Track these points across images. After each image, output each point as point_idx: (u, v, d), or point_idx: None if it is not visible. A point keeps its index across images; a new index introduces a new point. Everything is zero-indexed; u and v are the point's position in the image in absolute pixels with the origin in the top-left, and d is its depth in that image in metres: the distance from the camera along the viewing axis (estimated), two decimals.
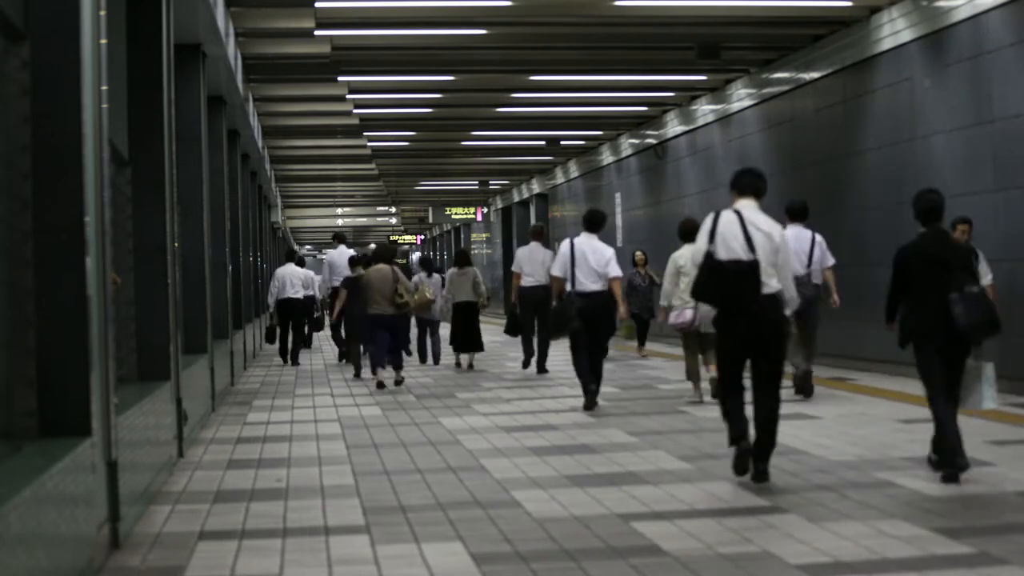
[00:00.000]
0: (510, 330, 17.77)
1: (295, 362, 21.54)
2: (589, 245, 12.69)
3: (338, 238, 22.53)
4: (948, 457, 7.97)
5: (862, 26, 15.83)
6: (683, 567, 5.98)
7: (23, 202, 6.13)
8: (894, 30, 15.07)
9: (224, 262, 16.55)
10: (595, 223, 13.16)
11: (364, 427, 11.99)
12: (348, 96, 20.72)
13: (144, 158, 10.19)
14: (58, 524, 5.38)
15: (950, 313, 8.06)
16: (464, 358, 18.99)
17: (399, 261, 32.18)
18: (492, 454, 9.84)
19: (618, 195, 28.25)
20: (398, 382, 15.84)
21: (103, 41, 6.86)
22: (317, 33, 15.71)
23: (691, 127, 22.82)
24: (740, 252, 8.19)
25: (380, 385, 15.92)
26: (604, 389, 13.96)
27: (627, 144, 27.18)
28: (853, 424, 10.94)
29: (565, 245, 12.83)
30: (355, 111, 22.61)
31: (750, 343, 8.21)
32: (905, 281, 8.37)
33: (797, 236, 12.65)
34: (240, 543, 6.87)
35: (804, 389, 12.98)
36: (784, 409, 12.10)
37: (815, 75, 17.35)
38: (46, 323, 6.20)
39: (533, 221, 38.82)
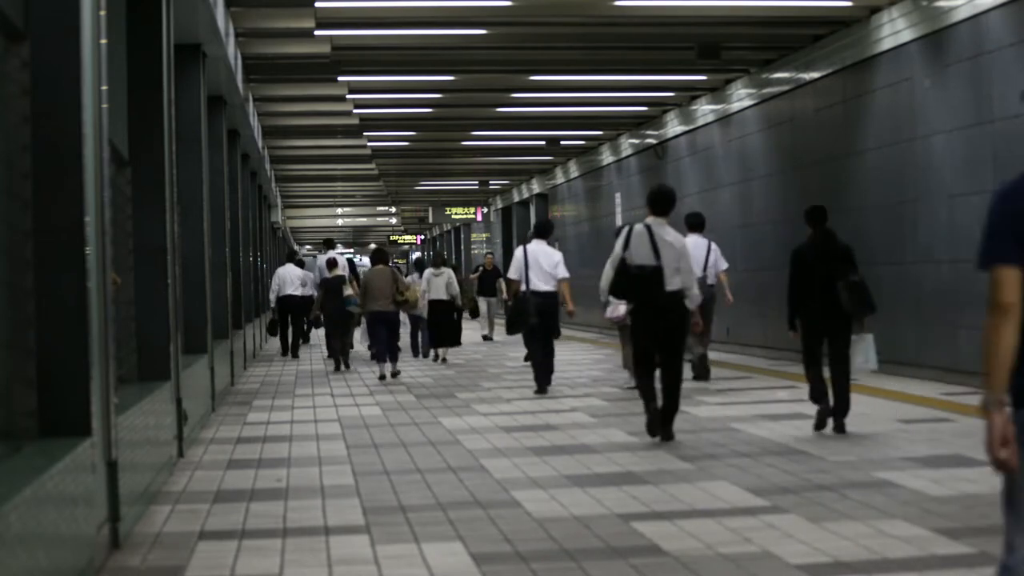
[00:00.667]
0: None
1: (295, 355, 23.37)
2: (541, 250, 14.36)
3: (327, 244, 25.28)
4: (819, 414, 10.46)
5: (862, 26, 15.83)
6: (683, 567, 5.98)
7: (23, 202, 6.13)
8: (894, 30, 15.07)
9: (224, 262, 16.55)
10: (544, 230, 15.06)
11: (364, 427, 11.99)
12: (348, 96, 20.72)
13: (144, 158, 10.19)
14: (58, 524, 5.38)
15: (838, 298, 10.14)
16: (441, 351, 20.58)
17: (399, 261, 35.36)
18: (492, 454, 9.85)
19: (618, 195, 28.26)
20: (395, 374, 17.32)
21: (103, 41, 6.86)
22: (317, 33, 15.72)
23: (691, 127, 22.82)
24: (647, 259, 10.12)
25: (382, 377, 17.26)
26: (604, 389, 14.80)
27: (627, 144, 27.18)
28: (853, 424, 10.93)
29: (519, 251, 14.59)
30: (355, 111, 22.61)
31: (657, 329, 10.19)
32: (799, 274, 10.40)
33: (695, 244, 15.03)
34: (240, 543, 6.87)
35: (701, 373, 15.09)
36: (784, 409, 12.16)
37: (815, 75, 17.35)
38: (46, 323, 6.21)
39: (533, 221, 38.86)
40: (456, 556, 6.36)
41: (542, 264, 14.18)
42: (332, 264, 21.15)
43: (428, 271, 20.53)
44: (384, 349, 17.44)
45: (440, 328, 20.28)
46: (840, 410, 10.35)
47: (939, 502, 7.30)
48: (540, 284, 14.08)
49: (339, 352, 19.86)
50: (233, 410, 14.07)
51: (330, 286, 20.54)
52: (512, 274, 14.52)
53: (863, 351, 10.50)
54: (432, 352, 20.97)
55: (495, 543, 6.63)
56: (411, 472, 9.12)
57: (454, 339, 20.56)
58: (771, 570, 5.86)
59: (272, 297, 24.09)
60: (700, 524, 6.92)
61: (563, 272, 14.26)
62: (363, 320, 19.10)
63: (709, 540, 6.51)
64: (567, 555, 6.29)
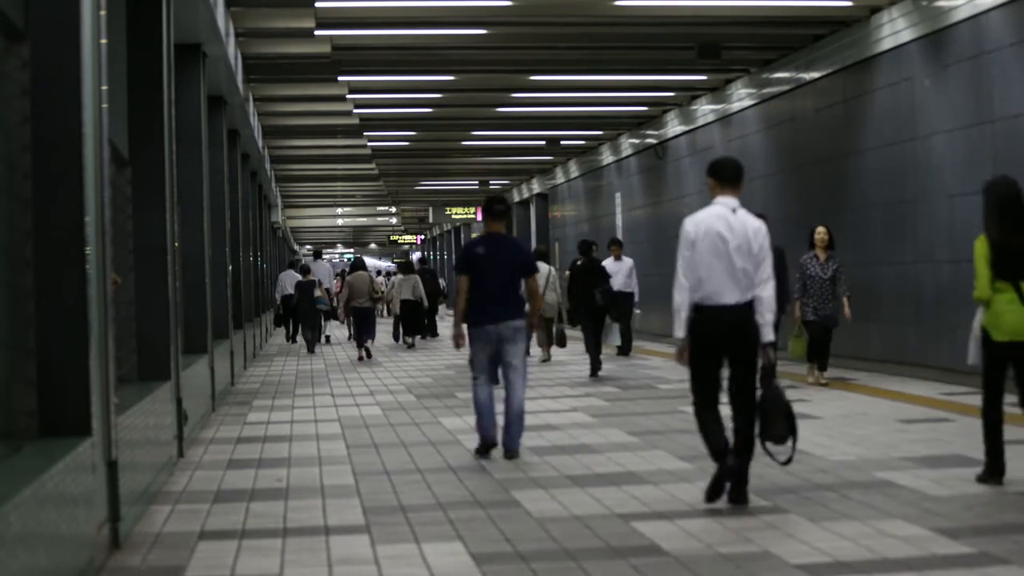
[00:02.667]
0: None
1: (293, 340, 28.90)
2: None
3: (316, 254, 35.04)
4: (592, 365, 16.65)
5: (862, 26, 15.83)
6: (683, 567, 5.98)
7: (23, 202, 6.13)
8: (894, 30, 15.07)
9: (224, 262, 16.56)
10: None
11: (364, 427, 11.99)
12: (348, 96, 20.73)
13: (144, 158, 10.19)
14: (58, 524, 5.38)
15: (595, 299, 16.98)
16: (408, 339, 25.43)
17: (398, 260, 39.71)
18: (492, 454, 9.83)
19: (618, 195, 28.26)
20: (368, 354, 22.17)
21: (103, 41, 6.86)
22: (317, 33, 15.72)
23: (691, 127, 22.82)
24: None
25: (361, 358, 22.01)
26: (604, 389, 14.78)
27: (627, 144, 27.18)
28: (853, 424, 10.94)
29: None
30: (355, 111, 22.62)
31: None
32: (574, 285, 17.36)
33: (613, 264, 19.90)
34: (240, 543, 6.87)
35: (625, 350, 20.34)
36: None
37: (815, 75, 17.35)
38: (46, 323, 6.21)
39: (533, 221, 38.86)
40: (456, 556, 6.36)
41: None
42: (306, 271, 27.16)
43: (397, 276, 24.52)
44: (363, 334, 22.42)
45: (408, 321, 25.82)
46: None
47: (939, 502, 7.30)
48: None
49: (310, 339, 25.59)
50: (233, 410, 14.07)
51: (304, 288, 26.08)
52: None
53: (611, 333, 18.28)
54: (403, 340, 26.30)
55: (495, 543, 6.64)
56: (411, 472, 9.12)
57: (419, 330, 26.57)
58: (771, 570, 5.86)
59: (277, 296, 29.31)
60: (700, 524, 6.92)
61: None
62: (338, 313, 25.65)
63: (709, 540, 6.51)
64: (567, 555, 6.30)
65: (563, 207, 34.53)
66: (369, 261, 38.88)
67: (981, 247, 7.84)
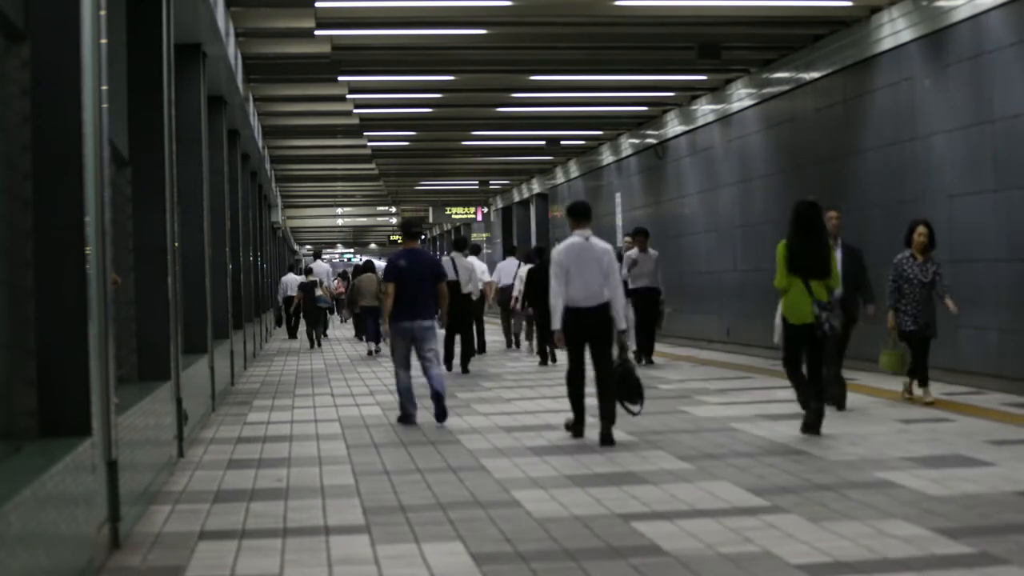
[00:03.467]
0: None
1: (293, 336, 31.44)
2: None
3: (316, 255, 37.37)
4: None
5: (862, 26, 15.83)
6: (683, 567, 5.98)
7: (23, 202, 6.13)
8: (894, 30, 15.07)
9: (224, 262, 16.56)
10: (462, 245, 19.68)
11: (364, 427, 11.99)
12: (348, 96, 20.72)
13: (144, 158, 10.19)
14: (58, 524, 5.38)
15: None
16: (372, 345, 24.81)
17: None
18: (492, 454, 9.85)
19: (618, 195, 28.26)
20: (378, 351, 23.51)
21: (103, 41, 6.86)
22: (317, 33, 15.72)
23: (691, 127, 22.82)
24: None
25: (370, 353, 23.67)
26: None
27: (627, 144, 27.18)
28: (853, 424, 10.94)
29: (447, 260, 18.27)
30: (355, 111, 22.61)
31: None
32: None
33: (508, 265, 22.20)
34: (240, 543, 6.87)
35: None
36: (784, 409, 12.15)
37: (815, 75, 17.35)
38: (46, 323, 6.21)
39: (533, 221, 38.85)
40: (456, 556, 6.36)
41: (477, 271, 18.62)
42: (308, 271, 30.11)
43: (360, 277, 26.05)
44: (372, 333, 23.87)
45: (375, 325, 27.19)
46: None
47: (939, 502, 7.30)
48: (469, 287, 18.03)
49: (312, 336, 27.94)
50: (233, 410, 14.07)
51: (306, 288, 28.66)
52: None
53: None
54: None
55: (495, 543, 6.64)
56: (411, 472, 9.12)
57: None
58: (771, 570, 5.86)
59: (280, 297, 31.84)
60: (700, 524, 6.92)
61: (486, 277, 17.45)
62: (341, 313, 28.79)
63: (709, 540, 6.51)
64: (567, 555, 6.30)
65: (563, 207, 34.52)
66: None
67: (782, 250, 10.45)
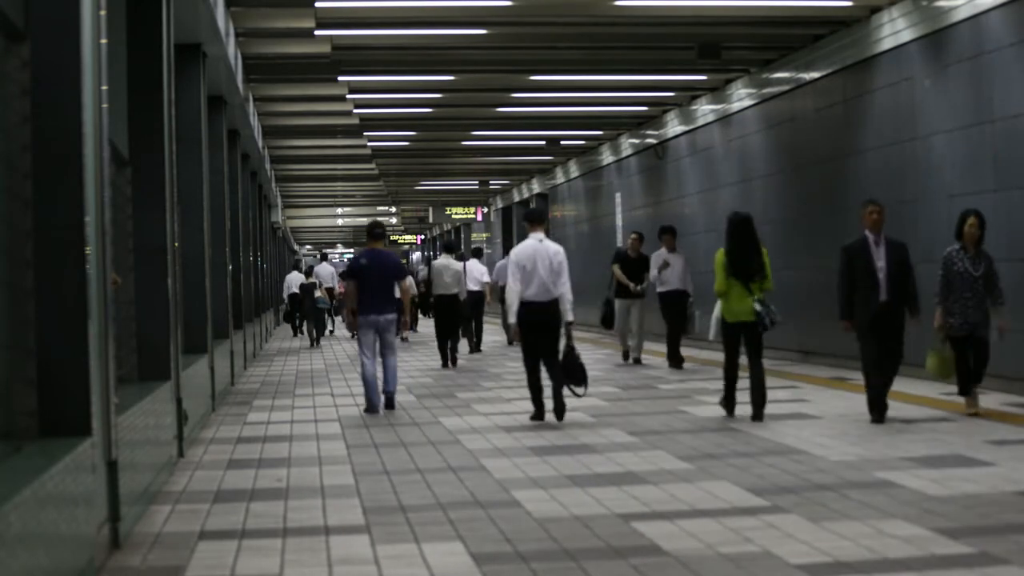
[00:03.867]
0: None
1: (297, 332, 32.84)
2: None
3: (323, 257, 39.79)
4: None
5: (862, 26, 15.83)
6: (683, 567, 5.98)
7: (23, 202, 6.13)
8: (894, 30, 15.07)
9: (224, 262, 16.55)
10: (451, 248, 20.88)
11: (364, 427, 11.99)
12: (348, 96, 20.72)
13: (144, 158, 10.19)
14: (58, 524, 5.38)
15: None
16: (403, 335, 26.81)
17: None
18: (492, 454, 9.85)
19: (618, 195, 28.26)
20: None
21: (103, 41, 6.86)
22: (317, 33, 15.72)
23: (691, 127, 22.82)
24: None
25: None
26: (604, 389, 14.80)
27: (627, 144, 27.18)
28: (853, 424, 10.94)
29: (436, 264, 20.28)
30: (355, 111, 22.61)
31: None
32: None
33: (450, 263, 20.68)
34: (240, 543, 6.87)
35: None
36: (784, 409, 12.16)
37: (815, 75, 17.35)
38: (46, 323, 6.21)
39: None
40: (456, 556, 6.36)
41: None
42: (308, 273, 31.27)
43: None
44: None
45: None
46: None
47: (939, 502, 7.30)
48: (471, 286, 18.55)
49: (312, 335, 28.99)
50: (233, 410, 14.07)
51: (306, 289, 29.95)
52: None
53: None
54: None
55: (495, 543, 6.63)
56: (411, 472, 9.12)
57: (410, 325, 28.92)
58: (771, 570, 5.86)
59: (285, 295, 32.85)
60: (700, 524, 6.91)
61: (485, 278, 17.92)
62: (343, 313, 29.92)
63: (709, 540, 6.51)
64: (567, 555, 6.29)
65: (563, 207, 34.52)
66: None
67: (720, 257, 11.71)
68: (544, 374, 11.90)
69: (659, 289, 17.80)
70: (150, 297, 10.11)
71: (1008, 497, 7.44)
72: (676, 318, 17.69)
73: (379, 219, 22.66)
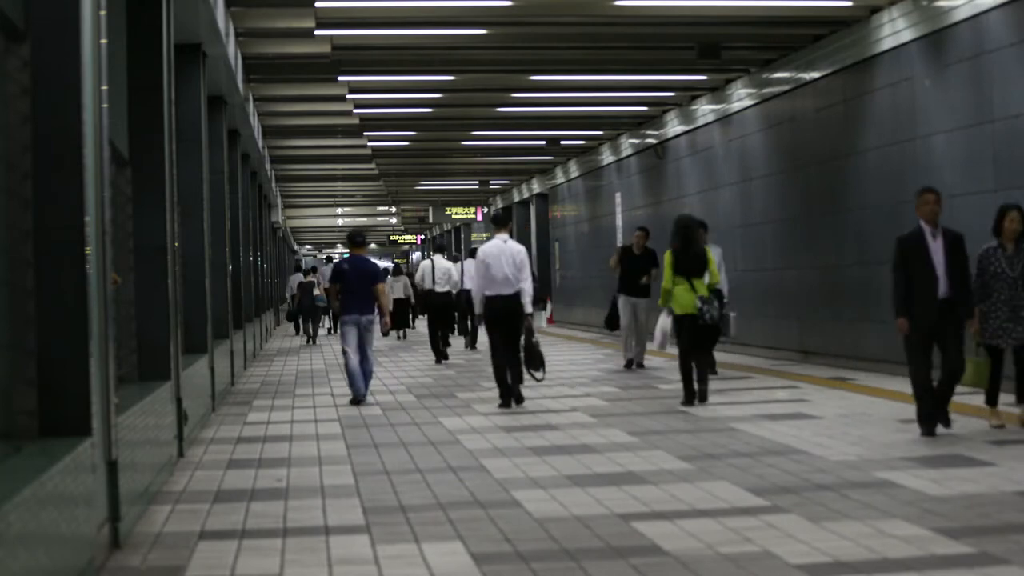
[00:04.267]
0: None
1: (313, 341, 32.71)
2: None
3: (328, 260, 42.83)
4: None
5: (862, 26, 15.83)
6: (683, 567, 5.98)
7: (23, 202, 6.13)
8: (894, 30, 15.07)
9: (224, 262, 16.55)
10: (440, 249, 22.33)
11: (364, 427, 11.99)
12: (348, 96, 20.72)
13: (144, 158, 10.19)
14: (58, 524, 5.38)
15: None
16: (399, 333, 29.39)
17: (399, 261, 43.63)
18: (492, 454, 9.85)
19: (618, 195, 28.26)
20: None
21: (103, 41, 6.86)
22: (317, 33, 15.71)
23: (691, 127, 22.82)
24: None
25: None
26: (604, 389, 14.92)
27: (627, 144, 27.18)
28: (853, 424, 10.94)
29: (427, 263, 21.47)
30: (355, 111, 22.61)
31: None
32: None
33: (440, 262, 21.67)
34: (240, 543, 6.87)
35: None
36: (784, 409, 12.16)
37: (815, 75, 17.35)
38: (46, 323, 6.21)
39: (533, 221, 38.86)
40: (456, 556, 6.36)
41: (438, 271, 18.26)
42: (307, 272, 32.39)
43: (389, 277, 28.00)
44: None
45: (397, 317, 28.68)
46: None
47: (939, 502, 7.30)
48: (440, 286, 18.21)
49: (309, 332, 30.27)
50: (233, 410, 14.07)
51: (305, 288, 31.08)
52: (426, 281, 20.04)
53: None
54: (395, 332, 30.00)
55: (495, 543, 6.64)
56: (411, 472, 9.12)
57: (405, 324, 30.32)
58: (771, 570, 5.86)
59: (288, 295, 35.00)
60: (700, 524, 6.92)
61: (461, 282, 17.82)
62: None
63: (709, 540, 6.51)
64: (567, 555, 6.30)
65: (563, 207, 34.53)
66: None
67: (668, 256, 13.07)
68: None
69: None
70: (150, 297, 10.11)
71: (1008, 497, 7.44)
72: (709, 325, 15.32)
73: (360, 228, 24.30)
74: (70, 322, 6.25)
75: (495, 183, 40.14)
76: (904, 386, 13.52)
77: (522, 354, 13.17)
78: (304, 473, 9.26)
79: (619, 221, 28.01)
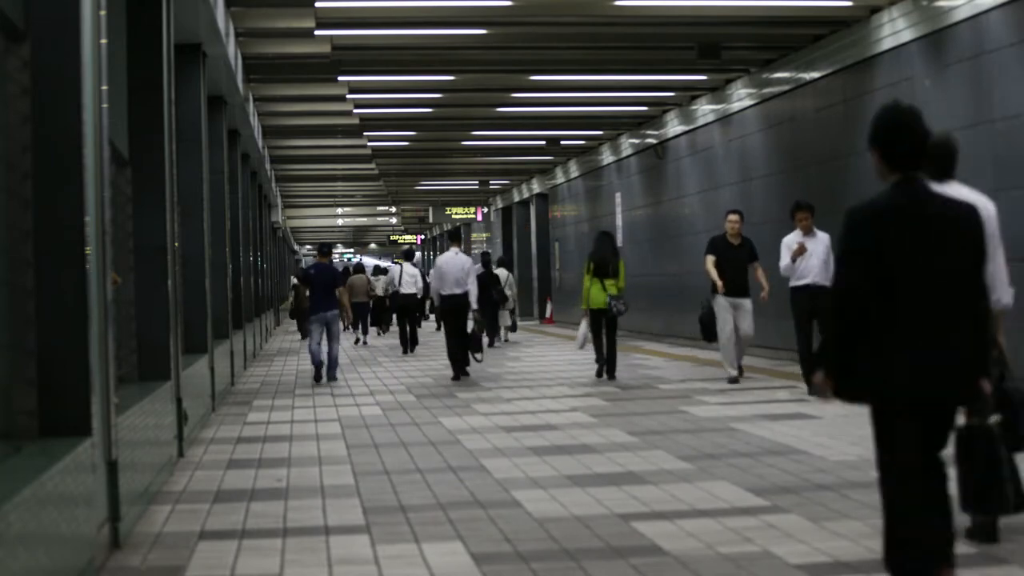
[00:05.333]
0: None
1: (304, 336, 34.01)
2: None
3: (325, 251, 42.70)
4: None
5: (862, 26, 15.83)
6: (683, 567, 5.98)
7: (23, 202, 6.13)
8: (894, 30, 15.07)
9: (224, 262, 16.55)
10: (409, 256, 25.42)
11: (364, 427, 12.00)
12: (348, 96, 20.72)
13: (144, 158, 10.19)
14: (58, 524, 5.38)
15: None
16: (359, 334, 29.86)
17: (398, 261, 45.45)
18: (492, 454, 9.85)
19: (618, 195, 28.26)
20: (365, 342, 28.17)
21: (103, 41, 6.86)
22: (317, 33, 15.71)
23: (691, 127, 22.82)
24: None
25: (356, 341, 28.37)
26: (604, 389, 14.85)
27: (627, 144, 27.18)
28: (853, 424, 10.94)
29: (396, 268, 24.88)
30: (355, 111, 22.61)
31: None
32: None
33: (408, 268, 24.75)
34: (240, 543, 6.87)
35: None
36: (784, 409, 12.15)
37: (815, 75, 17.35)
38: (46, 323, 6.21)
39: (533, 221, 38.87)
40: (456, 556, 6.36)
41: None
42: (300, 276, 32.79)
43: (381, 276, 30.08)
44: (361, 324, 28.67)
45: (378, 313, 31.12)
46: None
47: None
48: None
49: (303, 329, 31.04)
50: (233, 410, 14.07)
51: (299, 290, 32.20)
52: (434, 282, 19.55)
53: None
54: (376, 329, 31.68)
55: (495, 543, 6.64)
56: (411, 472, 9.12)
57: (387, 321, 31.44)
58: (771, 570, 5.86)
59: (290, 295, 36.25)
60: (700, 524, 6.92)
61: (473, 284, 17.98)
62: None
63: (709, 540, 6.51)
64: (567, 555, 6.30)
65: (563, 207, 34.53)
66: (372, 261, 48.38)
67: (587, 262, 16.15)
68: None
69: (793, 283, 13.48)
70: (150, 297, 10.11)
71: None
72: (814, 316, 12.97)
73: (327, 241, 28.06)
74: (70, 322, 6.25)
75: (495, 183, 40.14)
76: None
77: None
78: (304, 473, 9.26)
79: (619, 221, 28.00)
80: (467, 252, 56.10)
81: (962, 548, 6.15)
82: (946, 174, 6.71)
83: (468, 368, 17.26)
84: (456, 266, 17.13)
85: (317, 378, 17.47)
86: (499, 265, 26.82)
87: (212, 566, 6.36)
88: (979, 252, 4.94)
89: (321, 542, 6.80)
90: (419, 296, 24.73)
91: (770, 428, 10.87)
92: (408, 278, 24.55)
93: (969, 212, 4.94)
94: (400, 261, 26.18)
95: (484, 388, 15.66)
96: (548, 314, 35.54)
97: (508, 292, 25.72)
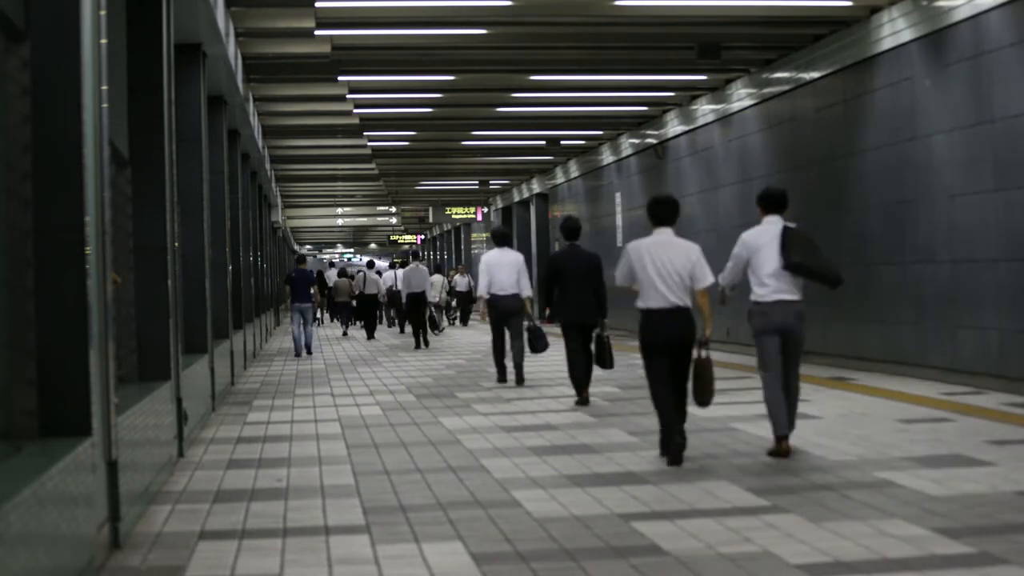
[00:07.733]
0: None
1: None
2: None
3: (331, 264, 45.56)
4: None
5: (862, 26, 15.84)
6: (683, 567, 5.98)
7: (23, 202, 6.13)
8: (894, 30, 15.07)
9: (224, 262, 16.55)
10: (371, 265, 31.61)
11: (364, 427, 11.99)
12: (348, 96, 20.73)
13: (144, 158, 10.18)
14: (58, 524, 5.38)
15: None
16: (344, 328, 35.54)
17: (397, 261, 46.07)
18: (492, 454, 9.85)
19: (618, 195, 28.26)
20: (345, 334, 33.12)
21: (103, 41, 6.86)
22: (317, 33, 15.72)
23: (691, 127, 22.82)
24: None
25: (345, 334, 32.98)
26: (604, 389, 14.86)
27: (627, 144, 27.18)
28: (853, 424, 10.94)
29: (361, 275, 30.58)
30: (355, 111, 22.62)
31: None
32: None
33: (370, 275, 31.10)
34: (240, 543, 6.87)
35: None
36: None
37: (815, 75, 17.35)
38: (46, 323, 6.20)
39: (533, 221, 38.86)
40: (456, 556, 6.36)
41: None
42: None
43: (371, 274, 32.88)
44: (345, 321, 34.92)
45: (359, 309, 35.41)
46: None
47: (939, 502, 7.30)
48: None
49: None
50: (233, 410, 14.07)
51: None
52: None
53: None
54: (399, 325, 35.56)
55: (495, 543, 6.64)
56: (411, 472, 9.12)
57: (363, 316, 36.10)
58: (771, 570, 5.86)
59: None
60: (700, 524, 6.92)
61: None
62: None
63: (709, 540, 6.51)
64: (567, 555, 6.30)
65: (563, 207, 34.54)
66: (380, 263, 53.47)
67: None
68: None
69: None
70: (150, 297, 10.11)
71: (1008, 497, 7.44)
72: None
73: (303, 253, 33.99)
74: (70, 322, 6.25)
75: (495, 183, 40.14)
76: (904, 386, 13.55)
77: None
78: (304, 473, 9.26)
79: (619, 221, 28.01)
80: (467, 252, 56.13)
81: (962, 548, 6.16)
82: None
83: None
84: (417, 282, 20.10)
85: (297, 353, 23.64)
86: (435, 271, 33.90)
87: (212, 566, 6.36)
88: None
89: (321, 542, 6.80)
90: (379, 297, 32.02)
91: (770, 428, 10.85)
92: (371, 282, 31.45)
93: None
94: (398, 262, 32.52)
95: (484, 388, 15.66)
96: (548, 314, 35.53)
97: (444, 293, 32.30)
